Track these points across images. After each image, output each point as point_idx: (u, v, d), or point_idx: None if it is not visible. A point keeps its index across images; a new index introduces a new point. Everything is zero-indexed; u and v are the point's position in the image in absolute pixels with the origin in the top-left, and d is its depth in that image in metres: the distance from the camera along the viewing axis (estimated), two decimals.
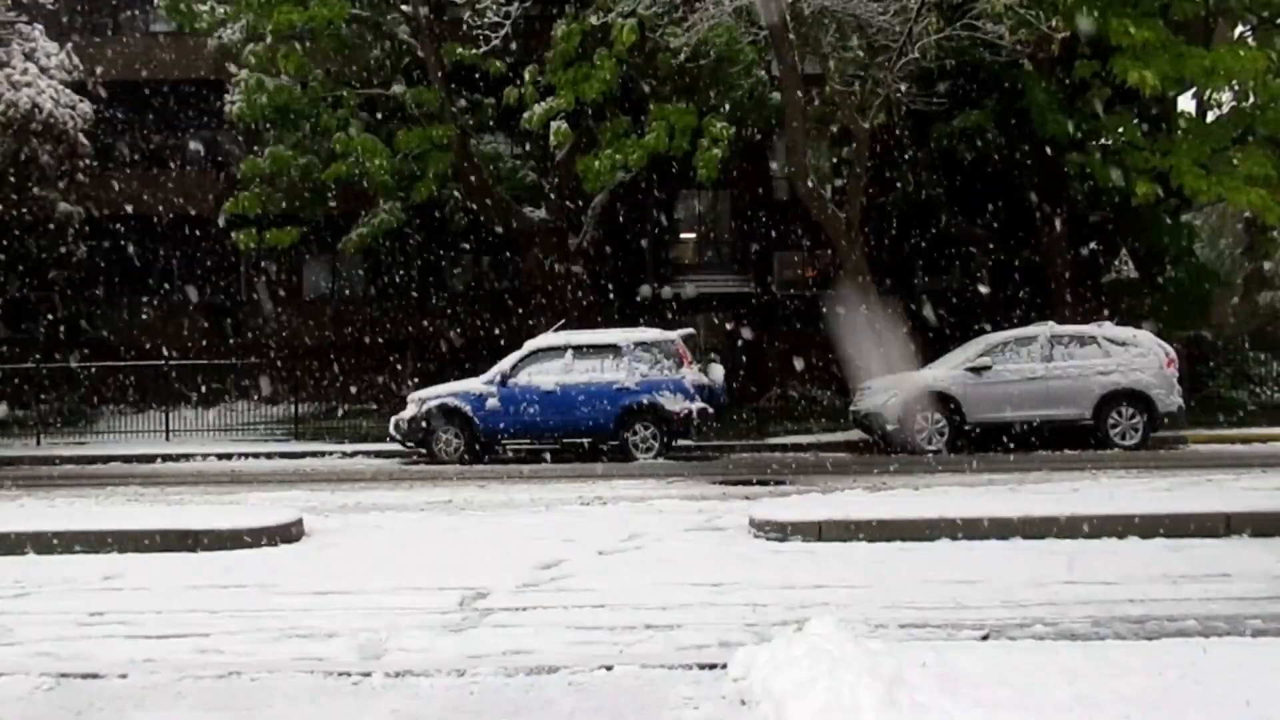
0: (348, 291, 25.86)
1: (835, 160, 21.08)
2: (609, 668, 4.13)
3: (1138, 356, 14.56)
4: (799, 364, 22.44)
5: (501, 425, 14.54)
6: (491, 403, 14.47)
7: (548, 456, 14.91)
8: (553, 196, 20.02)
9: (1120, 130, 17.41)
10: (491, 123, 21.20)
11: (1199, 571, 5.85)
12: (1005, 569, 5.96)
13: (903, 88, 16.57)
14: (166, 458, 16.24)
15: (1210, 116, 19.63)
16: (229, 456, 16.23)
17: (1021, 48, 15.91)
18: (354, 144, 18.34)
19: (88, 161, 21.50)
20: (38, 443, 18.87)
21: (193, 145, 26.05)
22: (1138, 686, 3.52)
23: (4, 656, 4.53)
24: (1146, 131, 17.58)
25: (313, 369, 22.34)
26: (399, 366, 23.73)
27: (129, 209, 24.52)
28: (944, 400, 14.54)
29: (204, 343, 24.10)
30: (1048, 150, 18.65)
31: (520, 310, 22.14)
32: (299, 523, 7.57)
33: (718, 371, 15.21)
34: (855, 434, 16.22)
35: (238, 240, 19.91)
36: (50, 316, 23.28)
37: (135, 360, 22.34)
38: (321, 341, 24.37)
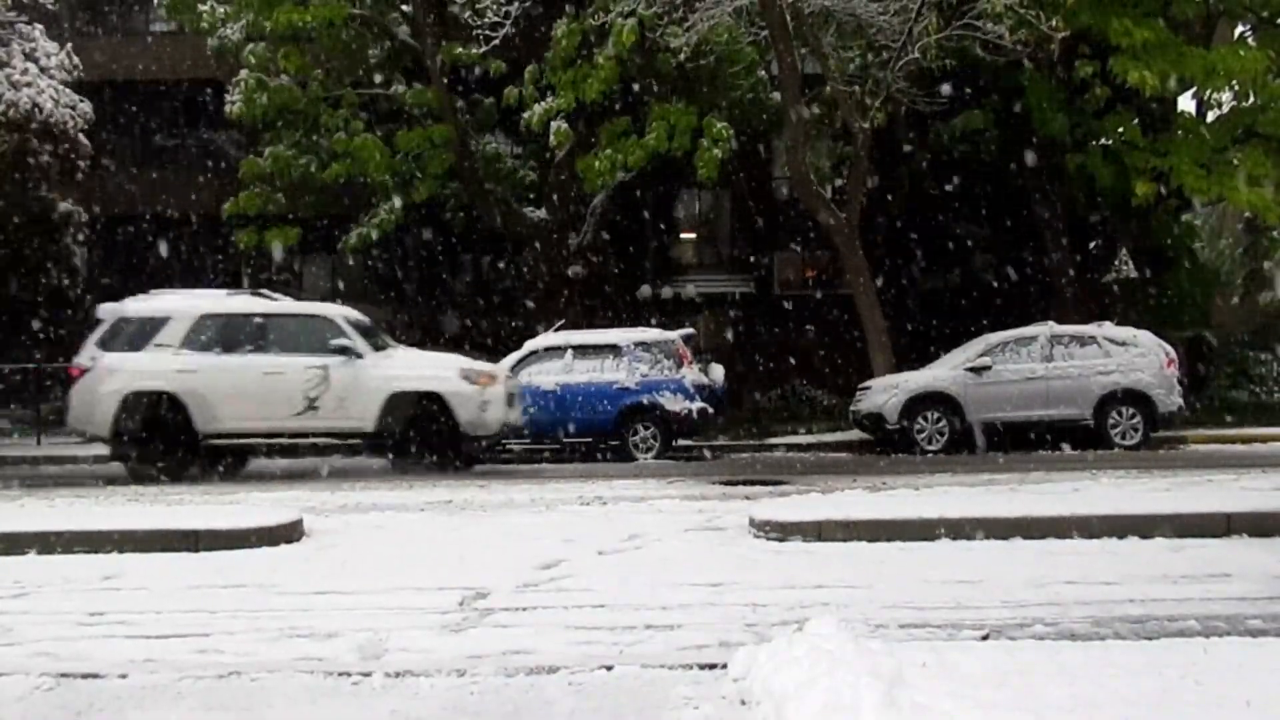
0: (347, 291, 25.83)
1: (835, 160, 21.09)
2: (609, 668, 4.12)
3: (1138, 356, 14.56)
4: (799, 364, 22.46)
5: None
6: None
7: (548, 456, 14.89)
8: (553, 197, 20.01)
9: (1120, 130, 17.44)
10: (492, 123, 21.22)
11: (1199, 572, 5.83)
12: (1005, 569, 5.95)
13: (903, 88, 16.57)
14: None
15: (1210, 116, 19.62)
16: None
17: (1021, 48, 15.92)
18: (354, 144, 18.38)
19: (88, 161, 21.49)
20: (38, 443, 18.83)
21: (193, 145, 26.06)
22: (1138, 687, 3.51)
23: (3, 656, 4.52)
24: (1146, 131, 17.58)
25: None
26: None
27: (129, 209, 24.53)
28: (944, 400, 14.55)
29: None
30: (1048, 150, 18.67)
31: (520, 310, 22.12)
32: (299, 522, 7.55)
33: (718, 371, 15.21)
34: (855, 434, 16.21)
35: (238, 240, 19.94)
36: (50, 316, 23.25)
37: None
38: None
